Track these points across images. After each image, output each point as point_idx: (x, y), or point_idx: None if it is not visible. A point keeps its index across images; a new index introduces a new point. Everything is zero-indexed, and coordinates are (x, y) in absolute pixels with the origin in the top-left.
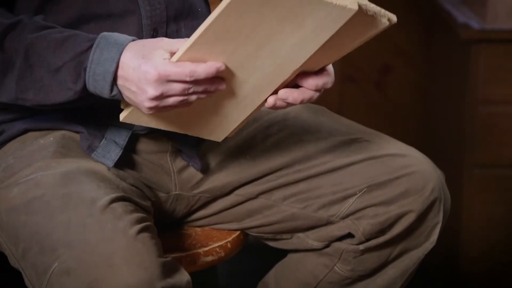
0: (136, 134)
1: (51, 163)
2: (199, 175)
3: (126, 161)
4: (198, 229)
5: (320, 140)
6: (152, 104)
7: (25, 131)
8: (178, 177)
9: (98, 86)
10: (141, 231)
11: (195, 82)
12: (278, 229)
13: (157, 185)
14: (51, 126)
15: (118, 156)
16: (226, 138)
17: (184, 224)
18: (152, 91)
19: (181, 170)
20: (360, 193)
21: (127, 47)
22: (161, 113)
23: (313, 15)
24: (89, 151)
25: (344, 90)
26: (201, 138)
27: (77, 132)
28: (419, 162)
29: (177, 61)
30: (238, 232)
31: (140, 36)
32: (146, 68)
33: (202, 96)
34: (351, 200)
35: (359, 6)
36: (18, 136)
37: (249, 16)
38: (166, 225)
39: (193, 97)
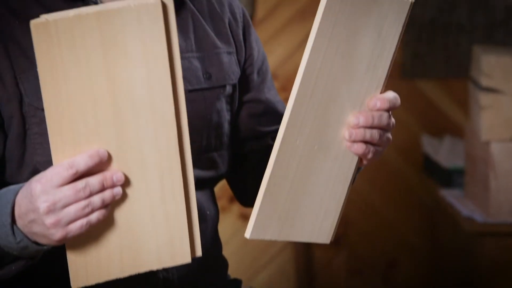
0: None
1: None
2: None
3: None
4: None
5: None
6: (51, 219)
7: None
8: None
9: (3, 235)
10: None
11: (86, 183)
12: None
13: None
14: None
15: None
16: None
17: None
18: (43, 204)
19: None
20: None
21: (21, 188)
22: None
23: (125, 31)
24: None
25: (351, 284)
26: None
27: None
28: None
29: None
30: None
31: None
32: (31, 186)
33: (107, 197)
34: None
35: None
36: None
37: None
38: None
39: (96, 200)
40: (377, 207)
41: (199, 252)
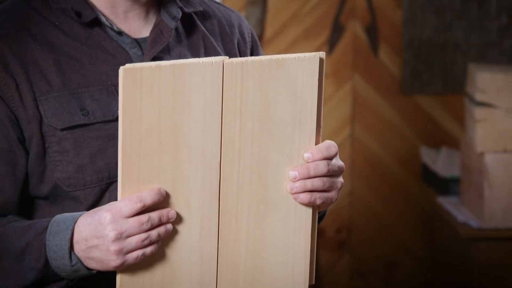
0: None
1: None
2: None
3: None
4: None
5: None
6: (116, 246)
7: None
8: None
9: (58, 258)
10: None
11: (149, 217)
12: None
13: None
14: None
15: None
16: None
17: None
18: (111, 232)
19: None
20: None
21: (80, 216)
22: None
23: (192, 84)
24: None
25: (354, 285)
26: None
27: None
28: None
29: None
30: None
31: None
32: (100, 214)
33: (162, 232)
34: None
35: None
36: None
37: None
38: None
39: (154, 234)
40: (379, 213)
41: None
